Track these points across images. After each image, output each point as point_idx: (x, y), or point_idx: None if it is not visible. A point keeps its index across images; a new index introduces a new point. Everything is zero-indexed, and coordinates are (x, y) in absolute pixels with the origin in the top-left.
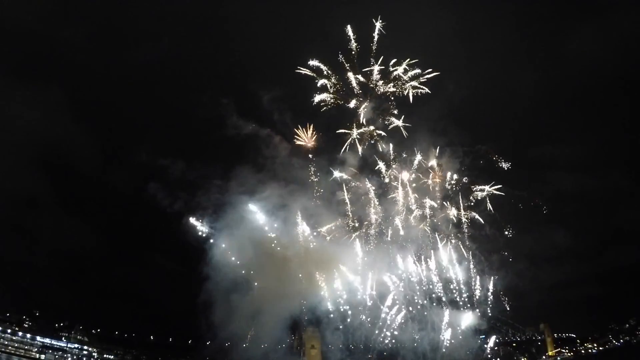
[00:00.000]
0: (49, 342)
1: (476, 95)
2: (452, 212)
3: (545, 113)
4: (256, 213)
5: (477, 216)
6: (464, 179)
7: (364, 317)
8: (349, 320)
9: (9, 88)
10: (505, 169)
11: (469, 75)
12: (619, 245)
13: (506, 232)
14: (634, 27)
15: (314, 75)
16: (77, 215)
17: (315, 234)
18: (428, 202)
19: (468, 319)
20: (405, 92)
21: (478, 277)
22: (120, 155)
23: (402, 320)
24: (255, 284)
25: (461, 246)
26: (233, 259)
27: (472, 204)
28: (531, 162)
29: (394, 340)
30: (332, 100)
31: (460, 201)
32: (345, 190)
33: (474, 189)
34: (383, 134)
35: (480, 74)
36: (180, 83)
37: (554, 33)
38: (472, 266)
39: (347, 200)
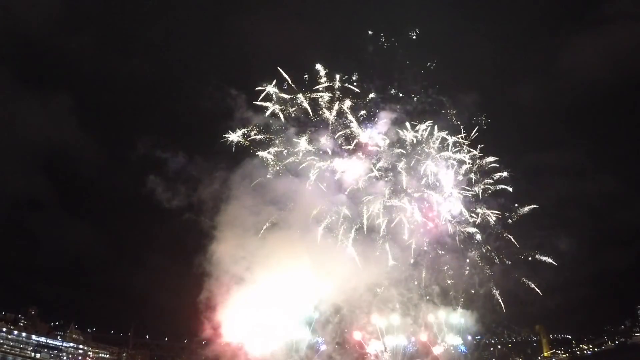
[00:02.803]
0: (45, 341)
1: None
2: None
3: (541, 122)
4: (259, 206)
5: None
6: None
7: (358, 315)
8: (343, 318)
9: (19, 94)
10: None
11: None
12: (613, 247)
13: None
14: (625, 40)
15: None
16: (77, 215)
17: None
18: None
19: (464, 319)
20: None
21: (476, 279)
22: (123, 156)
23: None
24: (254, 282)
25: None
26: (234, 256)
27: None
28: (528, 169)
29: (387, 339)
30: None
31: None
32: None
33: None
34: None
35: (480, 88)
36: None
37: (551, 47)
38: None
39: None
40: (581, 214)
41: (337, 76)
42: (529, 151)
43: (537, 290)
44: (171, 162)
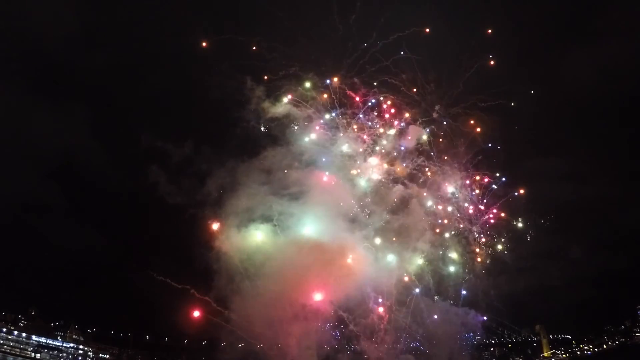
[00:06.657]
0: (45, 341)
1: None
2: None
3: (542, 129)
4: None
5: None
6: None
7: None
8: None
9: (33, 105)
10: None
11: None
12: (613, 249)
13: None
14: (624, 53)
15: None
16: (80, 216)
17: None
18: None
19: (463, 319)
20: None
21: (475, 279)
22: (126, 156)
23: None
24: (256, 281)
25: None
26: (235, 256)
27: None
28: (527, 173)
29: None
30: None
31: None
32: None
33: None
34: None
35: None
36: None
37: (550, 56)
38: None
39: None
40: (582, 217)
41: None
42: (530, 157)
43: (538, 292)
44: (175, 156)
